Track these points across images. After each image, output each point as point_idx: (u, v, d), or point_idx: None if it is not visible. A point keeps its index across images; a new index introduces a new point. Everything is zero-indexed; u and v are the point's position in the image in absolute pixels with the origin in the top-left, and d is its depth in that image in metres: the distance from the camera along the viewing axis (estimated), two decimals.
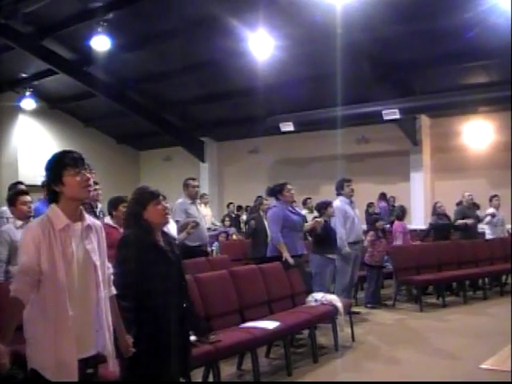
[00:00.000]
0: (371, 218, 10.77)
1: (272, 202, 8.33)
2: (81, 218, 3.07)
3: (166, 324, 3.68)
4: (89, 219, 3.13)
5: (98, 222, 3.26)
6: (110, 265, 3.35)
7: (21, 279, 2.86)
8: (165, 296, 3.70)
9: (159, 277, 3.70)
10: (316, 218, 8.36)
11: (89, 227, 3.09)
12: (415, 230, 13.25)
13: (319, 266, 8.01)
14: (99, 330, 3.06)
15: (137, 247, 3.69)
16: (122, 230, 6.36)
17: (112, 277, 3.37)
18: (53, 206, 3.02)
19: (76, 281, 2.95)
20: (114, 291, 3.35)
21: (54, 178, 3.00)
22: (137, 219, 3.81)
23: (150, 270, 3.67)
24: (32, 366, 2.91)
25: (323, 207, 8.49)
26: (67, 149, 3.16)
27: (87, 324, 3.01)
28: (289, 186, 7.74)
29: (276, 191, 7.80)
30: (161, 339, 3.65)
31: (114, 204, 6.47)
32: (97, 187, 7.78)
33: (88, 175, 3.05)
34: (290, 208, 7.79)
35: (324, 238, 8.14)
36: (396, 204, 15.52)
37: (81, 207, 3.10)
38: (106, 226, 6.37)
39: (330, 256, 8.14)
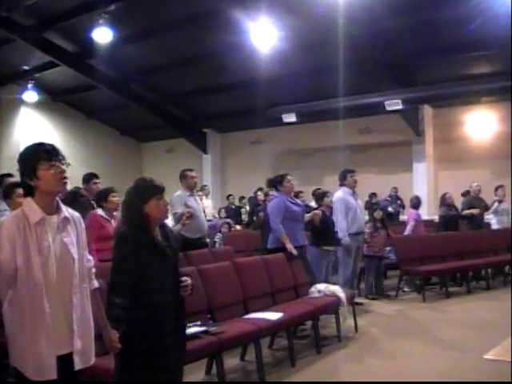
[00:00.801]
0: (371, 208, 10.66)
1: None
2: (57, 211, 2.99)
3: (162, 323, 3.59)
4: (66, 211, 3.04)
5: (76, 214, 3.15)
6: (90, 257, 3.26)
7: None
8: (161, 294, 3.60)
9: (156, 275, 3.60)
10: (315, 210, 8.34)
11: (66, 219, 3.01)
12: None
13: (315, 258, 7.95)
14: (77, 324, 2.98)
15: (134, 245, 3.56)
16: (113, 222, 6.42)
17: (93, 269, 3.27)
18: (28, 199, 2.95)
19: (54, 275, 2.87)
20: (96, 284, 3.27)
21: (27, 172, 2.94)
22: (137, 212, 3.65)
23: (147, 269, 3.57)
24: (13, 364, 2.87)
25: (320, 197, 8.48)
26: (39, 141, 3.06)
27: (67, 318, 2.93)
28: (289, 177, 7.72)
29: (276, 182, 7.79)
30: (156, 338, 3.56)
31: (103, 195, 6.49)
32: (97, 181, 7.77)
33: (62, 167, 2.97)
34: (290, 199, 7.76)
35: (322, 231, 8.11)
36: (397, 194, 15.59)
37: (57, 199, 3.02)
38: (101, 218, 6.41)
39: (328, 248, 8.13)
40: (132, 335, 3.43)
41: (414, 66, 14.57)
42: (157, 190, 3.71)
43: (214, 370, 5.14)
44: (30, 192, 2.96)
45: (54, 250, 2.90)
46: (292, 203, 7.67)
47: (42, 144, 3.01)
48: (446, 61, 13.86)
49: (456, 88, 13.63)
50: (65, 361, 2.90)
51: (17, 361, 2.85)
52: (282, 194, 7.69)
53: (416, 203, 11.00)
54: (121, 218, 3.94)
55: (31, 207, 2.91)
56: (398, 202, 15.27)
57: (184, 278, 3.78)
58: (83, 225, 3.18)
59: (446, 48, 13.01)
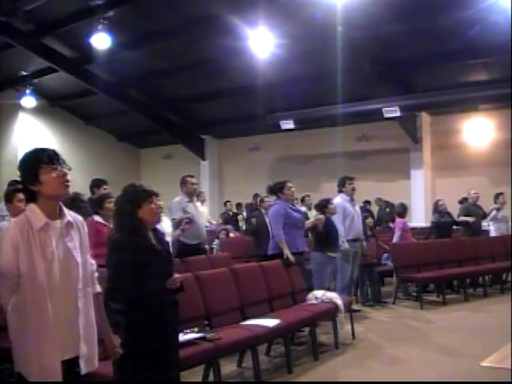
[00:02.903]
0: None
1: (272, 199, 8.34)
2: (60, 215, 2.98)
3: (163, 324, 3.64)
4: (69, 215, 3.02)
5: (79, 218, 3.13)
6: (93, 261, 3.22)
7: None
8: (160, 296, 3.66)
9: (155, 278, 3.64)
10: (318, 215, 8.33)
11: (69, 224, 2.99)
12: (415, 228, 13.25)
13: (319, 264, 7.95)
14: (83, 329, 2.96)
15: (131, 250, 3.59)
16: (112, 226, 6.38)
17: (96, 274, 3.24)
18: (31, 205, 2.92)
19: (58, 280, 2.86)
20: (98, 289, 3.24)
21: (29, 177, 2.91)
22: (130, 219, 3.69)
23: (146, 272, 3.59)
24: (17, 369, 2.85)
25: (324, 205, 8.42)
26: (40, 147, 3.03)
27: (71, 323, 2.91)
28: (289, 184, 7.77)
29: (277, 189, 7.83)
30: (159, 339, 3.60)
31: (99, 202, 6.46)
32: (106, 187, 7.75)
33: (65, 170, 2.96)
34: (291, 205, 7.83)
35: (325, 236, 8.07)
36: (387, 200, 15.48)
37: (60, 203, 3.01)
38: (97, 223, 6.36)
39: (331, 254, 8.05)
40: (133, 338, 3.44)
41: (411, 73, 14.60)
42: (147, 194, 3.76)
43: (211, 376, 5.12)
44: (32, 198, 2.94)
45: (58, 254, 2.88)
46: (292, 210, 7.72)
47: (42, 149, 2.99)
48: (443, 68, 13.90)
49: (454, 95, 13.66)
50: (69, 366, 2.89)
51: (21, 366, 2.84)
52: (282, 200, 7.73)
53: (401, 212, 10.89)
54: (114, 225, 3.93)
55: (34, 213, 2.89)
56: (387, 210, 15.05)
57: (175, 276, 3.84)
58: (86, 228, 3.17)
59: (444, 55, 13.04)
